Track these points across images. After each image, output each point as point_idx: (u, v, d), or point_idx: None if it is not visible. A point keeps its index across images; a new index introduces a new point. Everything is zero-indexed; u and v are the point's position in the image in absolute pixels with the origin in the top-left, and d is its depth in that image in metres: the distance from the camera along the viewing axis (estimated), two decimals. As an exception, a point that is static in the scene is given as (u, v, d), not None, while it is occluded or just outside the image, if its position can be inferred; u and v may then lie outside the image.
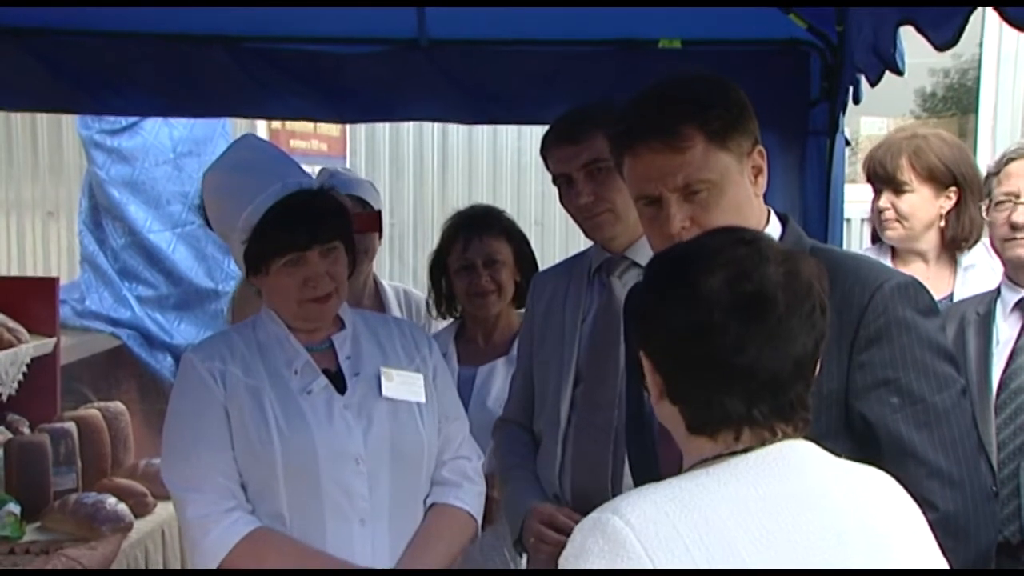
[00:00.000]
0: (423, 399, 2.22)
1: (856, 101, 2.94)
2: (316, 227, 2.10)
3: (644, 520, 1.25)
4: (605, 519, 1.27)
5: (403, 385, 2.20)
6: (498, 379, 2.86)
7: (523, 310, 2.89)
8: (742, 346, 1.31)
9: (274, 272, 2.10)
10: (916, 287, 1.68)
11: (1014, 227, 2.42)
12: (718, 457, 1.33)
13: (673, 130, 1.64)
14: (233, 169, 2.19)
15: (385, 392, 2.16)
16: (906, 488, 1.42)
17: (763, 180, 1.72)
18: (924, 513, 1.42)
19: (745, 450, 1.33)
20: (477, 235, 2.92)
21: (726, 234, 1.41)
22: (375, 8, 2.95)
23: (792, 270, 1.35)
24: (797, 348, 1.33)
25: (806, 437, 1.37)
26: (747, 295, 1.32)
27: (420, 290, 3.33)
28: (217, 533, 2.05)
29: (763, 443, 1.33)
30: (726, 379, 1.32)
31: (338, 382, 2.17)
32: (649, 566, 1.22)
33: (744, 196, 1.70)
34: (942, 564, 1.40)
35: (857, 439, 1.64)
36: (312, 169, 5.33)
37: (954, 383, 1.66)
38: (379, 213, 3.18)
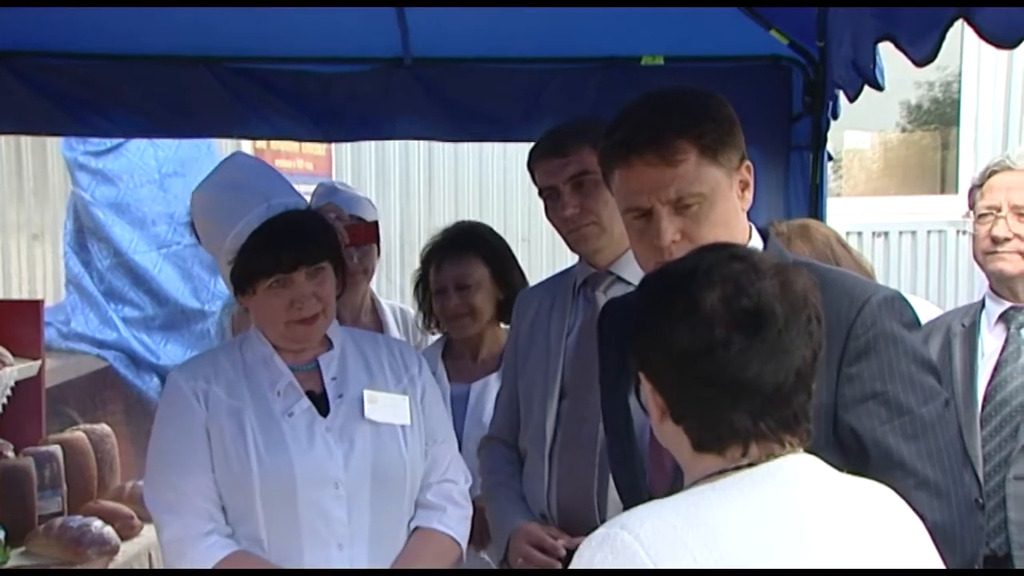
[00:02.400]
0: (408, 421, 2.20)
1: (834, 116, 2.96)
2: (302, 249, 2.09)
3: (653, 534, 1.25)
4: (614, 534, 1.27)
5: (387, 407, 2.18)
6: (492, 395, 2.84)
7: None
8: (745, 361, 1.31)
9: (260, 293, 2.10)
10: (900, 301, 1.69)
11: (995, 240, 2.43)
12: (722, 472, 1.34)
13: (668, 143, 1.64)
14: (220, 188, 2.18)
15: (368, 415, 2.15)
16: None
17: (749, 194, 1.74)
18: None
19: (749, 465, 1.34)
20: (449, 258, 2.89)
21: (717, 251, 1.42)
22: (359, 27, 2.97)
23: (786, 282, 1.36)
24: (797, 360, 1.34)
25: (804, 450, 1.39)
26: (746, 310, 1.32)
27: (411, 308, 3.33)
28: (193, 556, 2.04)
29: (769, 456, 1.34)
30: (731, 395, 1.33)
31: (321, 404, 2.15)
32: None
33: (732, 210, 1.71)
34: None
35: (845, 451, 1.64)
36: (297, 189, 5.30)
37: (938, 395, 1.67)
38: (376, 224, 3.17)
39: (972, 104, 5.65)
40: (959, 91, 5.75)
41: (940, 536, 1.54)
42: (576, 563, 1.31)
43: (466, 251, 2.89)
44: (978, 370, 2.43)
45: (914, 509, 1.48)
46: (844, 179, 6.02)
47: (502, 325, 2.96)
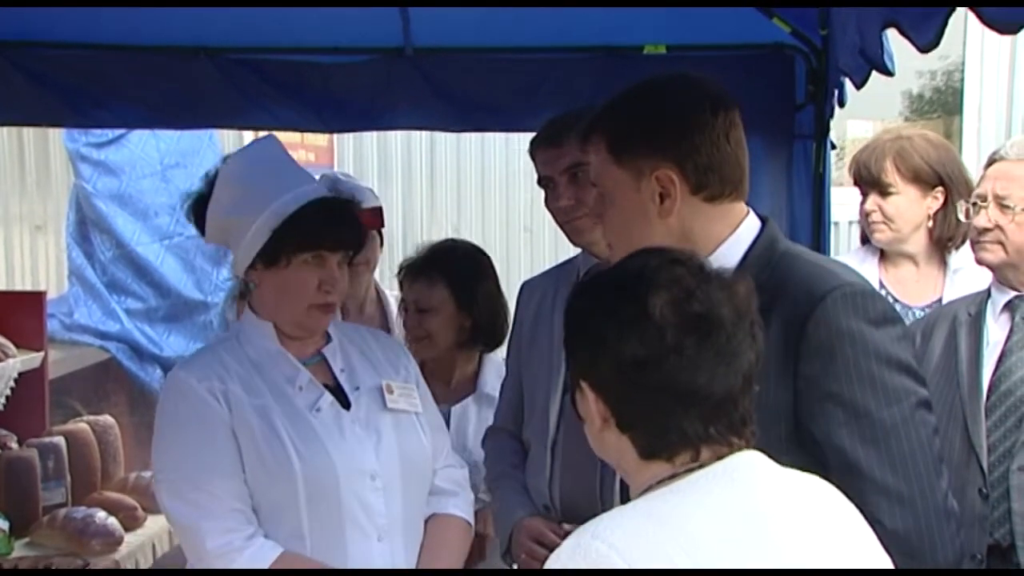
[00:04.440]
0: (420, 409, 2.22)
1: (841, 104, 2.95)
2: (350, 234, 2.11)
3: (627, 541, 1.24)
4: (586, 544, 1.25)
5: (402, 397, 2.19)
6: (472, 418, 2.82)
7: (481, 351, 2.88)
8: (697, 368, 1.31)
9: (294, 266, 2.06)
10: (866, 295, 1.63)
11: (977, 230, 2.43)
12: (674, 476, 1.33)
13: (588, 136, 1.74)
14: (262, 160, 2.14)
15: (390, 404, 2.15)
16: (855, 503, 1.42)
17: (672, 206, 1.66)
18: (872, 528, 1.41)
19: (700, 466, 1.33)
20: (413, 278, 2.86)
21: (658, 254, 1.40)
22: (360, 17, 2.95)
23: (730, 287, 1.36)
24: (744, 363, 1.34)
25: (758, 449, 1.38)
26: (696, 315, 1.31)
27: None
28: (243, 561, 1.99)
29: (719, 458, 1.34)
30: (683, 402, 1.32)
31: (338, 397, 2.14)
32: None
33: (636, 215, 1.68)
34: (886, 560, 1.40)
35: (808, 453, 1.60)
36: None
37: (907, 396, 1.59)
38: (380, 209, 3.17)
39: (975, 93, 5.63)
40: (962, 80, 5.73)
41: (904, 544, 1.51)
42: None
43: (431, 273, 2.84)
44: (984, 359, 2.42)
45: (872, 515, 1.47)
46: (846, 168, 6.00)
47: (475, 351, 2.89)
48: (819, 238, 3.04)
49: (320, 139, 5.31)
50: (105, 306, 4.42)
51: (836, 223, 4.42)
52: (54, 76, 3.15)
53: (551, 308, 2.37)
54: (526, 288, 2.52)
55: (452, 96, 3.21)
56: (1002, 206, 2.39)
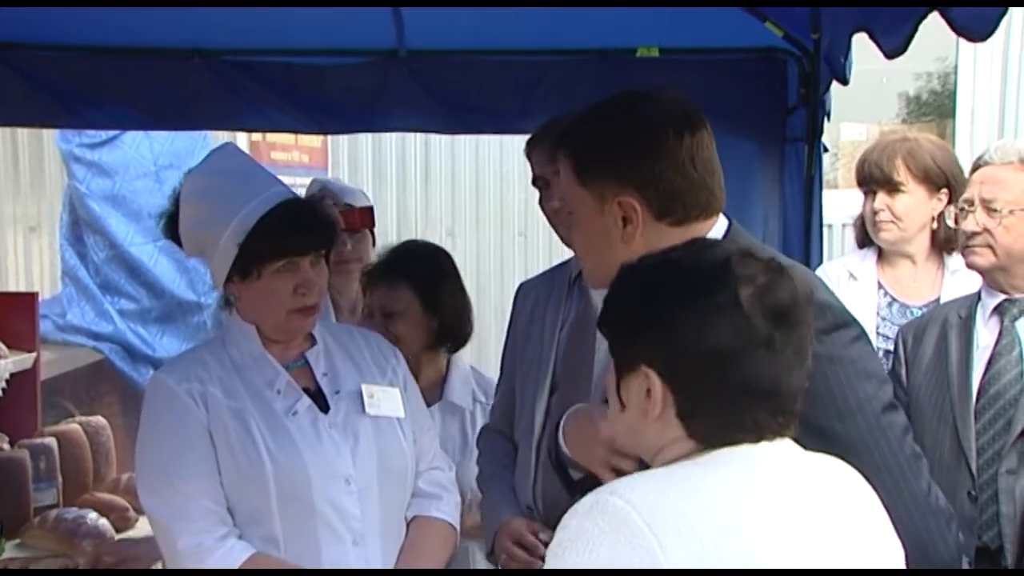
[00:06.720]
0: (403, 414, 2.21)
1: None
2: (318, 233, 2.10)
3: (646, 500, 1.23)
4: (604, 500, 1.24)
5: (384, 401, 2.19)
6: (436, 428, 2.75)
7: (448, 352, 2.85)
8: (780, 362, 1.29)
9: (266, 276, 2.06)
10: (818, 307, 1.53)
11: (966, 235, 2.44)
12: (702, 450, 1.32)
13: (556, 151, 1.73)
14: (222, 173, 2.14)
15: (369, 410, 2.15)
16: None
17: (634, 231, 1.63)
18: None
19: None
20: (376, 283, 2.82)
21: (724, 245, 1.39)
22: (354, 19, 2.96)
23: (792, 279, 1.35)
24: (809, 359, 1.34)
25: None
26: (782, 307, 1.30)
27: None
28: (214, 562, 2.00)
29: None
30: (760, 395, 1.30)
31: (318, 400, 2.14)
32: (655, 546, 1.20)
33: (599, 238, 1.66)
34: (898, 550, 1.40)
35: None
36: (293, 181, 5.35)
37: (868, 403, 1.54)
38: (370, 209, 3.17)
39: (968, 97, 5.64)
40: (955, 83, 5.74)
41: (910, 547, 1.46)
42: (561, 534, 1.27)
43: (394, 276, 2.80)
44: (973, 362, 2.43)
45: None
46: (841, 170, 6.02)
47: (443, 353, 2.86)
48: (810, 240, 3.05)
49: (314, 141, 5.31)
50: (98, 307, 4.41)
51: (829, 225, 4.44)
52: (48, 77, 3.15)
53: (544, 309, 2.38)
54: (522, 290, 2.53)
55: (445, 98, 3.22)
56: (989, 210, 2.40)
